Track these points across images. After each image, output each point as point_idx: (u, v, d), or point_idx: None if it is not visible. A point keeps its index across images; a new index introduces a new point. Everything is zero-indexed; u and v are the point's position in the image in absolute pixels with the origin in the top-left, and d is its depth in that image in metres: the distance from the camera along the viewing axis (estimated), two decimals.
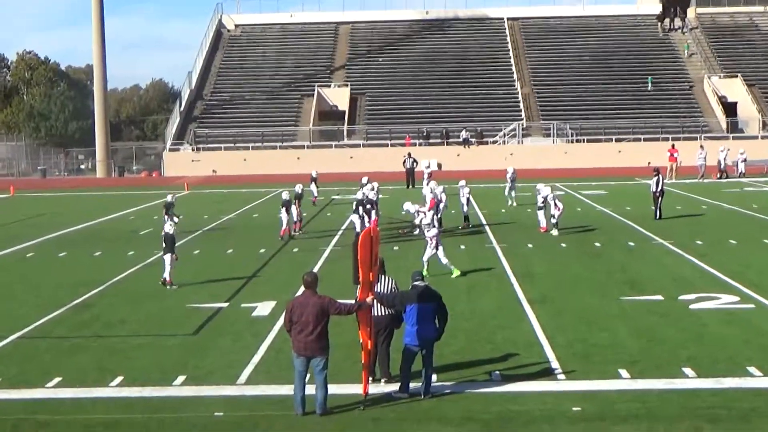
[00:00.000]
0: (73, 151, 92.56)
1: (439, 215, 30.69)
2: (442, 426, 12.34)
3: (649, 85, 78.00)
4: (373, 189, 32.12)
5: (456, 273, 23.30)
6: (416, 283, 13.77)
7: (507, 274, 23.69)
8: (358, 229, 28.51)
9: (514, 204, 40.76)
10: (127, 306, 20.68)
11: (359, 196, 30.84)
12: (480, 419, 12.52)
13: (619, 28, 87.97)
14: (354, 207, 30.62)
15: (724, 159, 56.17)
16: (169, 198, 32.22)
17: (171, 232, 23.06)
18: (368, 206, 29.34)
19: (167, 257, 22.82)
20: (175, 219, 32.80)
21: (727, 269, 23.69)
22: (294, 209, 32.28)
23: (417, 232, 29.79)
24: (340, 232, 32.71)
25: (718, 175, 55.12)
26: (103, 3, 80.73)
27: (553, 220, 31.00)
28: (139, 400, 13.68)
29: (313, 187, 43.95)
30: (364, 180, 34.57)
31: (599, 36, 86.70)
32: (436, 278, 22.00)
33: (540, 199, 31.53)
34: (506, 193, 41.65)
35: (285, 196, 31.84)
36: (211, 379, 14.65)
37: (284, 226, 31.22)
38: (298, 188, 34.04)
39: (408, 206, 29.22)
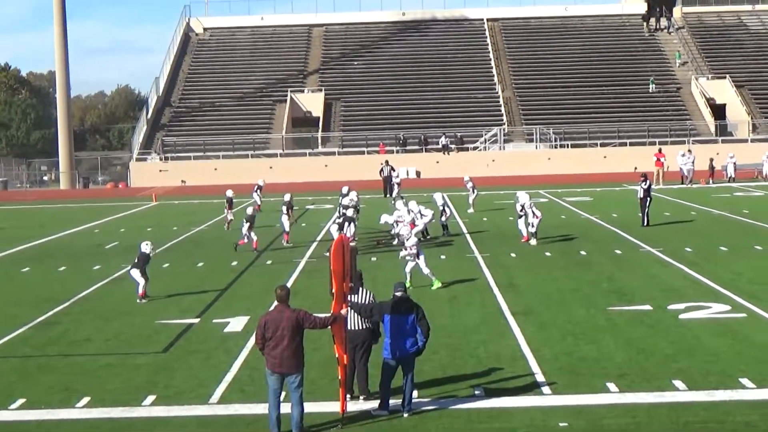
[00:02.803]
0: (35, 161, 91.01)
1: (422, 226, 30.19)
2: None
3: (652, 87, 77.20)
4: (352, 200, 31.53)
5: (437, 284, 22.95)
6: (396, 293, 13.52)
7: (490, 286, 23.36)
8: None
9: (472, 210, 41.02)
10: (93, 323, 20.26)
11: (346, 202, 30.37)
12: None
13: (604, 28, 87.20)
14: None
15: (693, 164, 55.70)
16: (286, 197, 32.27)
17: (147, 251, 22.59)
18: (343, 219, 28.61)
19: (135, 272, 22.34)
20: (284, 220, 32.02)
21: (717, 277, 23.45)
22: (284, 218, 31.82)
23: (396, 242, 29.34)
24: (314, 243, 32.19)
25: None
26: (66, 6, 79.98)
27: (532, 229, 30.36)
28: (107, 421, 13.43)
29: (255, 196, 43.90)
30: (345, 189, 33.94)
31: (583, 37, 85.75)
32: (417, 290, 21.79)
33: (518, 207, 30.91)
34: (471, 200, 41.76)
35: (249, 211, 31.08)
36: (181, 398, 14.39)
37: (243, 239, 30.45)
38: (287, 197, 33.52)
39: (385, 218, 28.86)
